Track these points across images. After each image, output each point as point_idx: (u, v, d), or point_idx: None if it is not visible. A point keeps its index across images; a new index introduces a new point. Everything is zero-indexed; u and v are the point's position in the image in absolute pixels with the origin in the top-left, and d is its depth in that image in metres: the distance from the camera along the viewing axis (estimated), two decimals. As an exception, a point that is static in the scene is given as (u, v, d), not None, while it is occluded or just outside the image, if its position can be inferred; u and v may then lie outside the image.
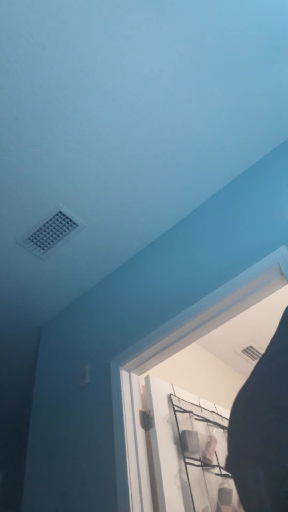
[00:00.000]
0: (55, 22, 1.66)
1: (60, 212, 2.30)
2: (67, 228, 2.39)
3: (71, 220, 2.35)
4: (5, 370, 3.36)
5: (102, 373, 2.17)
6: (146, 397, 2.07)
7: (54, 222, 2.35)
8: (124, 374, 2.09)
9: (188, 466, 1.91)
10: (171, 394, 2.17)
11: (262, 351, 3.30)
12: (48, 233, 2.40)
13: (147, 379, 2.12)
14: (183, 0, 1.66)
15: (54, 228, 2.37)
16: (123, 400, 1.95)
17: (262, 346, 3.28)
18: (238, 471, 0.95)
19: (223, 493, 1.94)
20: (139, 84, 1.88)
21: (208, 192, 2.37)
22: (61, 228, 2.38)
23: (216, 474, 2.03)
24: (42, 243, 2.45)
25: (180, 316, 2.00)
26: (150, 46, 1.77)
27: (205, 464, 2.01)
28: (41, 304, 2.84)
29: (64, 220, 2.35)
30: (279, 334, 1.20)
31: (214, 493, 1.93)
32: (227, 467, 0.97)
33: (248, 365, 3.47)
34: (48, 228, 2.37)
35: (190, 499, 1.77)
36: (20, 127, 1.94)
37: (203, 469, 1.98)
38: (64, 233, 2.41)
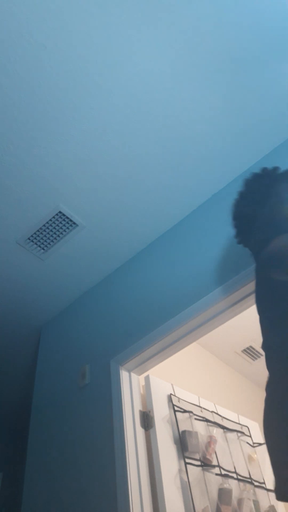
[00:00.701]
0: (55, 22, 1.66)
1: (60, 212, 2.30)
2: (67, 228, 2.39)
3: (71, 220, 2.35)
4: (5, 370, 3.36)
5: (102, 373, 2.17)
6: (146, 397, 2.07)
7: (54, 222, 2.35)
8: (124, 374, 2.09)
9: (188, 466, 1.91)
10: (171, 394, 2.17)
11: (262, 351, 3.29)
12: (48, 233, 2.40)
13: (147, 379, 2.12)
14: (184, 0, 1.66)
15: (54, 228, 2.37)
16: (123, 400, 1.95)
17: (262, 346, 3.27)
18: None
19: (223, 493, 1.94)
20: (139, 84, 1.88)
21: (208, 192, 2.37)
22: (61, 228, 2.38)
23: (216, 474, 2.03)
24: (42, 243, 2.45)
25: (180, 316, 2.00)
26: (150, 46, 1.77)
27: (205, 464, 2.01)
28: (41, 304, 2.84)
29: (64, 220, 2.35)
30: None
31: (214, 493, 1.93)
32: (279, 498, 0.96)
33: (248, 365, 3.47)
34: (48, 228, 2.37)
35: (190, 499, 1.77)
36: (20, 127, 1.94)
37: (203, 469, 1.98)
38: (64, 233, 2.41)
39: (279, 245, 1.18)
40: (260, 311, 1.32)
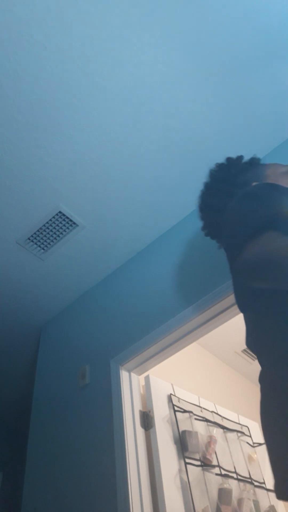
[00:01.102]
0: (55, 22, 1.66)
1: (60, 212, 2.30)
2: (67, 228, 2.39)
3: (71, 220, 2.35)
4: (5, 370, 3.36)
5: (102, 373, 2.17)
6: (146, 397, 2.07)
7: (54, 222, 2.35)
8: (124, 374, 2.09)
9: (188, 466, 1.91)
10: (171, 394, 2.17)
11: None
12: (48, 233, 2.40)
13: (147, 379, 2.12)
14: (184, 0, 1.66)
15: (54, 228, 2.37)
16: (123, 400, 1.95)
17: (262, 346, 3.27)
18: None
19: (223, 493, 1.94)
20: (139, 84, 1.88)
21: (208, 192, 2.37)
22: (61, 228, 2.38)
23: (216, 474, 2.03)
24: (42, 243, 2.45)
25: (180, 316, 2.00)
26: (150, 47, 1.77)
27: (205, 464, 2.01)
28: (41, 304, 2.84)
29: (64, 220, 2.35)
30: None
31: (214, 493, 1.93)
32: (279, 496, 0.94)
33: (248, 365, 3.47)
34: (48, 228, 2.37)
35: (190, 499, 1.77)
36: (20, 127, 1.94)
37: (203, 469, 1.98)
38: (64, 233, 2.41)
39: (253, 254, 1.08)
40: (241, 309, 1.31)
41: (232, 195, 1.39)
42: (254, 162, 1.54)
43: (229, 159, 1.59)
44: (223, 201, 1.43)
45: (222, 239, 1.47)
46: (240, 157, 1.58)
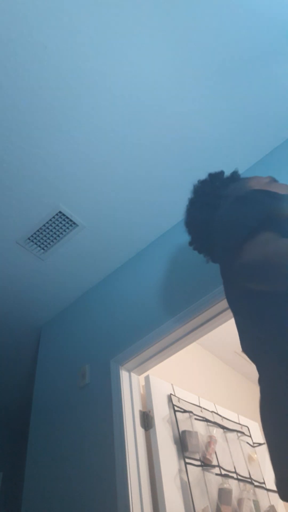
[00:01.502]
0: (55, 22, 1.65)
1: (60, 212, 2.30)
2: (67, 228, 2.39)
3: (71, 220, 2.35)
4: (5, 370, 3.36)
5: (102, 373, 2.17)
6: (146, 397, 2.07)
7: (54, 222, 2.35)
8: (124, 374, 2.09)
9: (188, 466, 1.91)
10: (171, 394, 2.17)
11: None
12: (48, 233, 2.40)
13: (147, 379, 2.12)
14: (184, 0, 1.66)
15: (54, 228, 2.37)
16: (123, 400, 1.95)
17: (262, 346, 3.26)
18: None
19: (223, 493, 1.94)
20: (139, 84, 1.88)
21: (208, 192, 2.37)
22: (61, 228, 2.38)
23: (216, 474, 2.03)
24: (42, 243, 2.44)
25: (180, 316, 2.00)
26: (150, 47, 1.77)
27: (205, 464, 2.01)
28: (41, 304, 2.84)
29: (64, 220, 2.35)
30: None
31: (214, 493, 1.93)
32: (282, 497, 0.94)
33: (248, 365, 3.47)
34: (48, 228, 2.37)
35: (190, 499, 1.77)
36: (20, 127, 1.94)
37: (203, 469, 1.98)
38: (64, 233, 2.41)
39: (252, 255, 1.08)
40: (235, 312, 1.30)
41: (217, 207, 1.40)
42: (235, 177, 1.57)
43: (211, 175, 1.62)
44: (209, 213, 1.44)
45: (214, 244, 1.47)
46: (221, 172, 1.61)
